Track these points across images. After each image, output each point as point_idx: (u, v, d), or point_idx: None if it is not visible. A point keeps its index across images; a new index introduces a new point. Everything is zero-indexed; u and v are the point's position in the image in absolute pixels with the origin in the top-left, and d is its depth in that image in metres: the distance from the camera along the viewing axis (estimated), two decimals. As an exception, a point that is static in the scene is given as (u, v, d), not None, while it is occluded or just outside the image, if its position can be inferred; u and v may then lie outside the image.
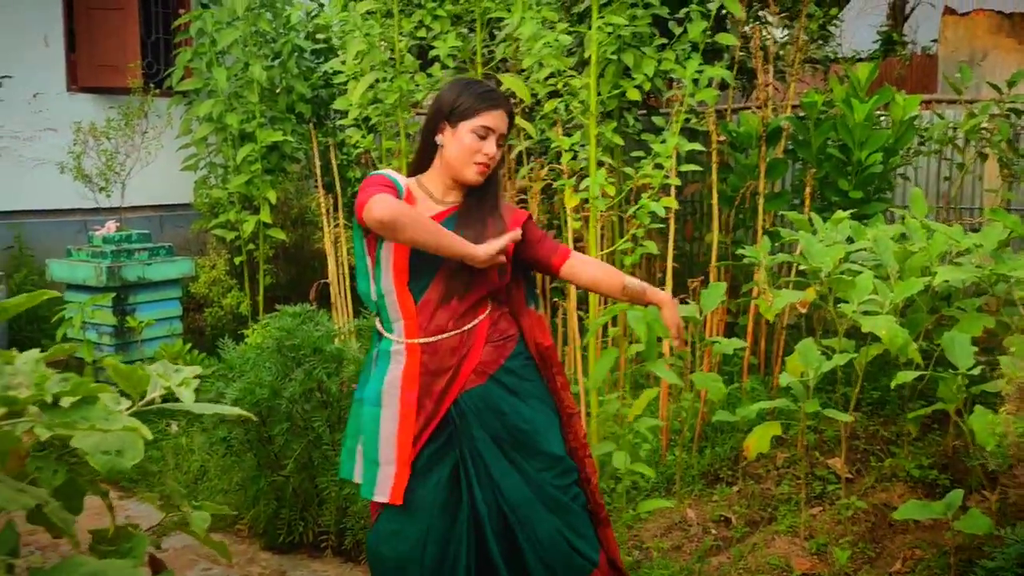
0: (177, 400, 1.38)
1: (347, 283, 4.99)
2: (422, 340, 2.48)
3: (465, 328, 2.51)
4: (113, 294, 5.27)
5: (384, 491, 2.46)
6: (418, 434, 2.48)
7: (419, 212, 2.42)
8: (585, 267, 2.71)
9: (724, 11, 4.17)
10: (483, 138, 2.49)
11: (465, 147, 2.48)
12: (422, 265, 2.46)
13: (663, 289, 4.63)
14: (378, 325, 2.60)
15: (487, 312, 2.57)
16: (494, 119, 2.50)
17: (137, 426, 1.06)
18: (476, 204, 2.55)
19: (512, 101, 2.56)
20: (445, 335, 2.49)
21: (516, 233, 2.52)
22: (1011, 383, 2.34)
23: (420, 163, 2.60)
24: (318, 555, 3.66)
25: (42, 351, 1.26)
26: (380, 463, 2.48)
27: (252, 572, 3.57)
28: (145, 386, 1.37)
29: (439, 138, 2.53)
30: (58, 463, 1.24)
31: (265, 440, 3.62)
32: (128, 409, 1.37)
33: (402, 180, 2.54)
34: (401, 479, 2.45)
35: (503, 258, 2.49)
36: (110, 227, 5.53)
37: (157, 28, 7.41)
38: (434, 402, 2.49)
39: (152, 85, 6.36)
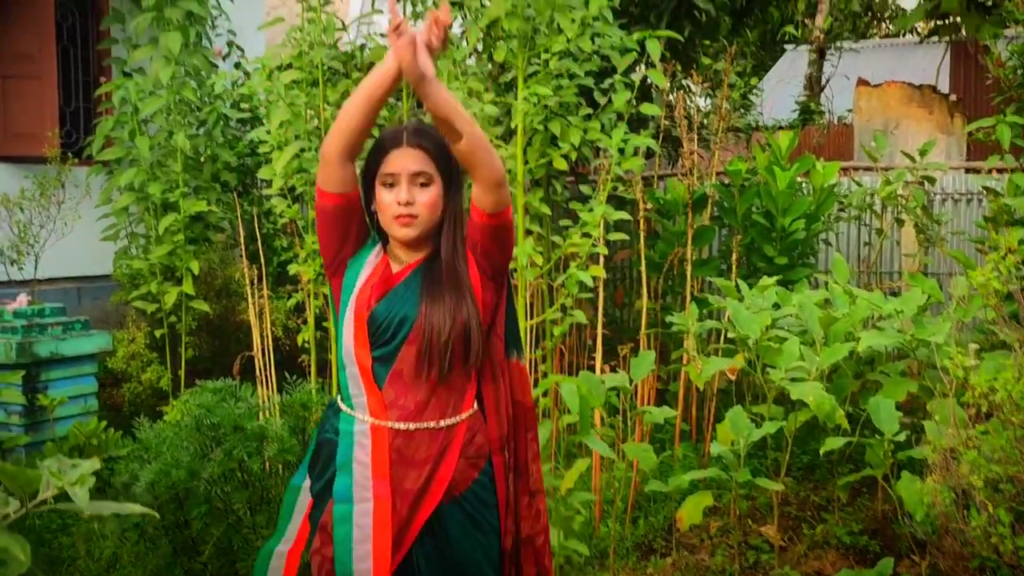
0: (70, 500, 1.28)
1: (271, 355, 4.86)
2: (392, 424, 2.15)
3: (443, 424, 2.18)
4: (23, 371, 5.04)
5: None
6: (395, 543, 2.13)
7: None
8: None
9: (649, 81, 4.25)
10: (392, 186, 2.16)
11: (381, 204, 2.17)
12: (389, 323, 2.15)
13: (592, 356, 4.62)
14: (337, 400, 2.26)
15: (469, 412, 2.23)
16: (396, 161, 2.15)
17: (7, 544, 0.97)
18: (437, 258, 2.22)
19: (437, 136, 2.19)
20: (421, 425, 2.16)
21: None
22: (936, 451, 2.35)
23: (382, 235, 2.27)
24: (239, 645, 3.48)
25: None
26: (356, 574, 2.12)
27: (167, 666, 3.37)
28: (36, 486, 1.27)
29: (373, 206, 2.22)
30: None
31: (182, 525, 3.45)
32: (16, 512, 1.28)
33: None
34: None
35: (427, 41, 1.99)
36: (21, 300, 5.31)
37: (77, 97, 7.26)
38: (408, 507, 2.15)
39: (71, 154, 6.19)
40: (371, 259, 2.24)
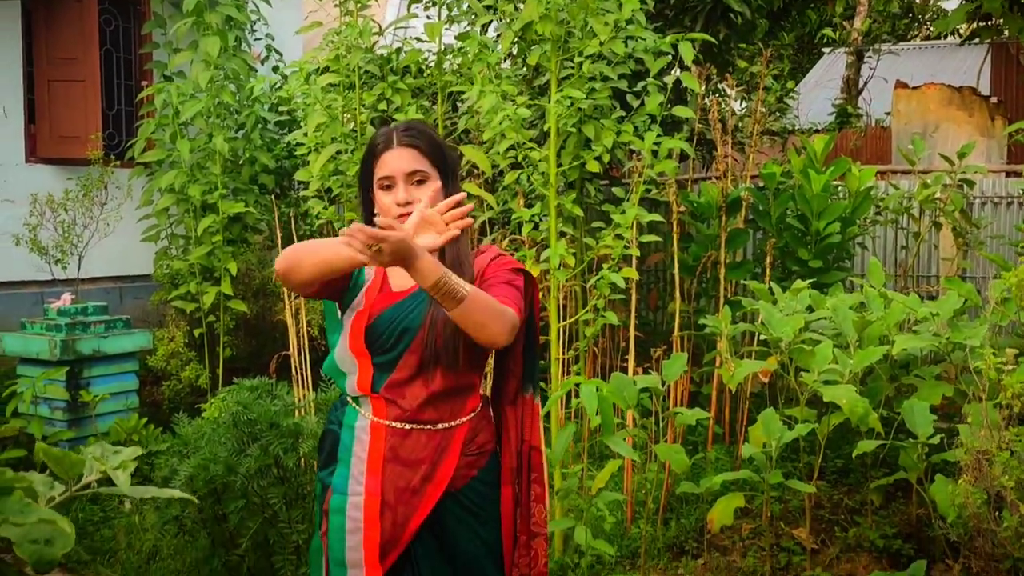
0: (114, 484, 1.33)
1: (307, 355, 4.93)
2: (390, 423, 2.15)
3: (440, 427, 2.16)
4: (67, 368, 5.16)
5: None
6: (388, 541, 2.14)
7: (315, 241, 2.07)
8: None
9: (683, 84, 4.26)
10: (389, 188, 2.14)
11: (383, 210, 2.14)
12: (391, 334, 2.14)
13: (625, 358, 4.64)
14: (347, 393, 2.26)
15: (471, 415, 2.22)
16: (390, 163, 2.14)
17: (55, 519, 1.02)
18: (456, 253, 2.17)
19: (428, 132, 2.21)
20: (418, 426, 2.15)
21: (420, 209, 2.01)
22: (969, 453, 2.34)
23: None
24: (274, 637, 3.54)
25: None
26: (347, 566, 2.14)
27: (204, 657, 3.44)
28: (80, 470, 1.32)
29: (375, 211, 2.20)
30: (-17, 553, 1.19)
31: (220, 518, 3.52)
32: (62, 494, 1.33)
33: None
34: None
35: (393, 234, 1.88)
36: (66, 299, 5.44)
37: (119, 100, 7.42)
38: (405, 504, 2.14)
39: (113, 156, 6.34)
40: (368, 272, 2.22)
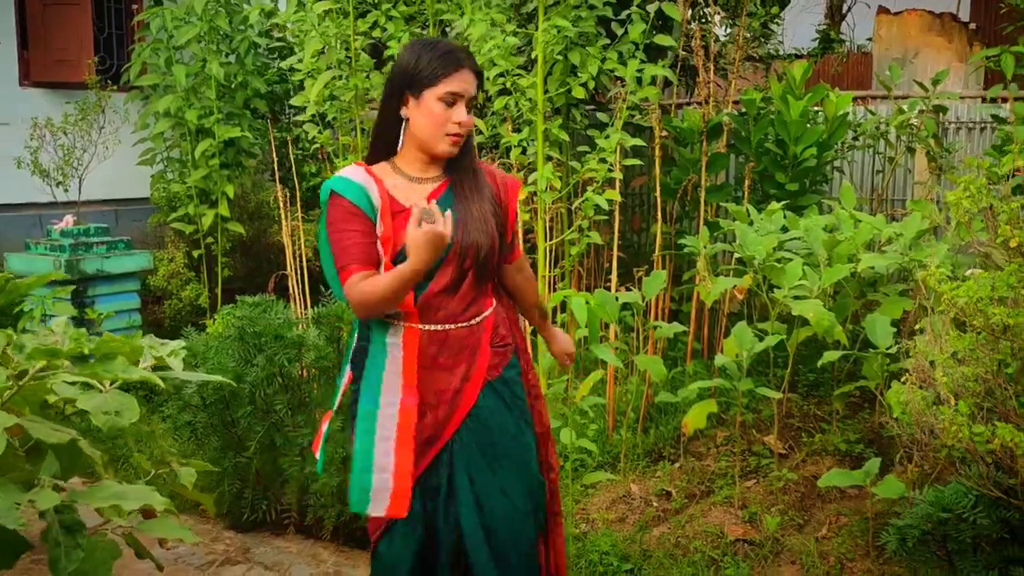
0: (168, 368, 1.55)
1: (304, 275, 5.14)
2: (425, 326, 2.24)
3: (474, 321, 2.29)
4: (72, 287, 5.36)
5: (380, 504, 2.20)
6: (429, 437, 2.25)
7: (373, 281, 2.14)
8: (518, 272, 2.54)
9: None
10: (451, 105, 2.20)
11: (434, 117, 2.19)
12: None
13: (609, 277, 4.87)
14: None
15: (492, 308, 2.37)
16: (461, 82, 2.20)
17: (148, 377, 1.24)
18: (464, 176, 2.31)
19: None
20: (455, 325, 2.26)
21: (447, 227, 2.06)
22: (916, 358, 2.60)
23: (386, 141, 2.29)
24: (281, 532, 3.83)
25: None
26: (374, 470, 2.21)
27: (217, 549, 3.73)
28: (139, 355, 1.54)
29: (404, 111, 2.24)
30: (64, 422, 1.41)
31: (229, 424, 3.78)
32: (124, 372, 1.55)
33: (363, 179, 2.23)
34: (401, 489, 2.19)
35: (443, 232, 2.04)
36: (68, 220, 5.61)
37: (110, 24, 7.46)
38: (446, 405, 2.26)
39: (107, 80, 6.43)
40: (372, 193, 2.24)
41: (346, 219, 2.19)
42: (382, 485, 2.20)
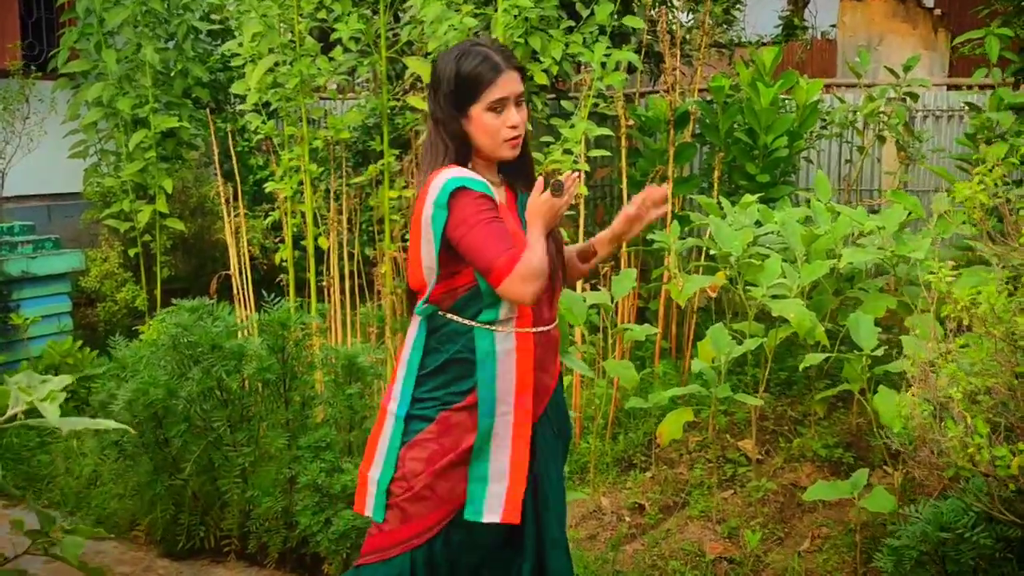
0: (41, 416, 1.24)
1: (248, 275, 4.80)
2: (536, 329, 2.25)
3: (556, 320, 2.36)
4: (-6, 290, 4.97)
5: (495, 509, 2.19)
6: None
7: (528, 257, 2.12)
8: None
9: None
10: (500, 111, 2.20)
11: (487, 128, 2.20)
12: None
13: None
14: (466, 322, 2.23)
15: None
16: (503, 86, 2.18)
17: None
18: (527, 174, 2.36)
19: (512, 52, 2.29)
20: (552, 326, 2.32)
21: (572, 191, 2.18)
22: (915, 365, 2.36)
23: (461, 154, 2.25)
24: (221, 560, 3.51)
25: None
26: (489, 479, 2.21)
27: (151, 580, 3.41)
28: (5, 401, 1.23)
29: (465, 126, 2.23)
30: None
31: (161, 443, 3.45)
32: (-15, 427, 1.24)
33: (478, 176, 2.22)
34: (516, 494, 2.20)
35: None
36: (-10, 219, 5.21)
37: (39, 7, 7.02)
38: (540, 405, 2.31)
39: (34, 68, 6.01)
40: (491, 188, 2.25)
41: (490, 207, 2.17)
42: (498, 492, 2.21)
